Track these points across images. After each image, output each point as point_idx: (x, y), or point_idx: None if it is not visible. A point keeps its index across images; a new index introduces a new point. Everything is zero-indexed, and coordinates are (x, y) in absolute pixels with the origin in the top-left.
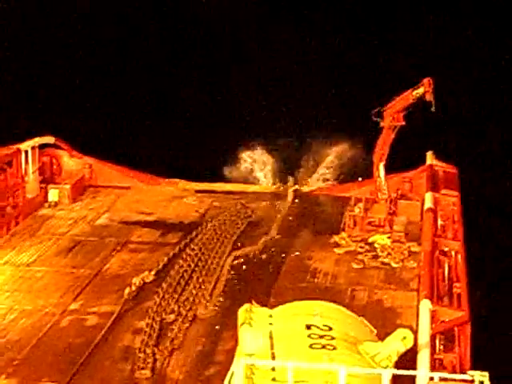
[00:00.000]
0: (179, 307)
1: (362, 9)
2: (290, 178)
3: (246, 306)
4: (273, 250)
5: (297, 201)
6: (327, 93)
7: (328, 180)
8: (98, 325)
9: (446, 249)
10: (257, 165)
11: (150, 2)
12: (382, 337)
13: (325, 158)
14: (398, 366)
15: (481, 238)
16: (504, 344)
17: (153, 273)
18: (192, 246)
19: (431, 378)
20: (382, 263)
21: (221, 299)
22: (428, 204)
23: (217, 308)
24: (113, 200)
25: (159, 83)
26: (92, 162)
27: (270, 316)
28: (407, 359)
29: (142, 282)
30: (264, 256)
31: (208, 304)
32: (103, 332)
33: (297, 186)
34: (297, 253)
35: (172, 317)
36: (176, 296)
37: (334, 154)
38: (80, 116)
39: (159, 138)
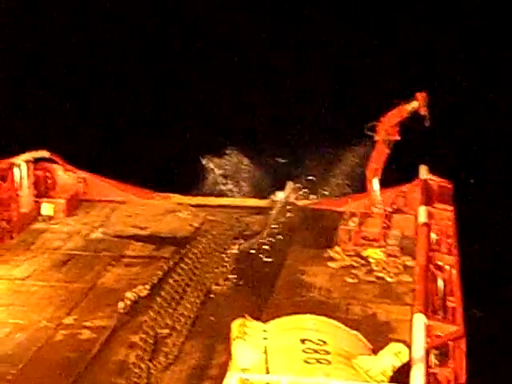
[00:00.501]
0: (174, 322)
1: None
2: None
3: (240, 320)
4: (267, 263)
5: (290, 214)
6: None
7: (322, 194)
8: (93, 339)
9: (440, 263)
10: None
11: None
12: (376, 351)
13: (320, 172)
14: (392, 380)
15: (475, 252)
16: (500, 359)
17: (147, 287)
18: (186, 260)
19: None
20: (377, 277)
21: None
22: (422, 218)
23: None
24: (107, 214)
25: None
26: (86, 176)
27: (264, 330)
28: (402, 374)
29: (136, 296)
30: (257, 269)
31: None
32: (98, 346)
33: (292, 199)
34: (291, 267)
35: (166, 331)
36: (170, 310)
37: (329, 168)
38: (74, 130)
39: (154, 152)
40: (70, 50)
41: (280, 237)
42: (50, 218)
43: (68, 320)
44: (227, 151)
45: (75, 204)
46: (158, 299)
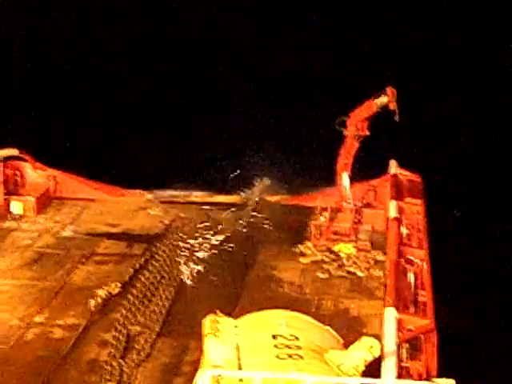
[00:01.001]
0: (145, 319)
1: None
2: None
3: (212, 316)
4: (238, 259)
5: (262, 210)
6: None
7: (293, 189)
8: (65, 337)
9: (411, 257)
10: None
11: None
12: (348, 346)
13: (289, 168)
14: (364, 374)
15: (445, 247)
16: (470, 351)
17: (119, 285)
18: (157, 257)
19: None
20: (348, 272)
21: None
22: (392, 212)
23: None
24: (78, 212)
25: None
26: (56, 174)
27: (236, 326)
28: (374, 368)
29: (107, 294)
30: (229, 265)
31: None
32: (70, 345)
33: (262, 195)
34: (262, 262)
35: (138, 329)
36: (142, 308)
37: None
38: (44, 128)
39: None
40: (36, 46)
41: (252, 233)
42: (20, 216)
43: (39, 318)
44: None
45: (45, 202)
46: (130, 297)
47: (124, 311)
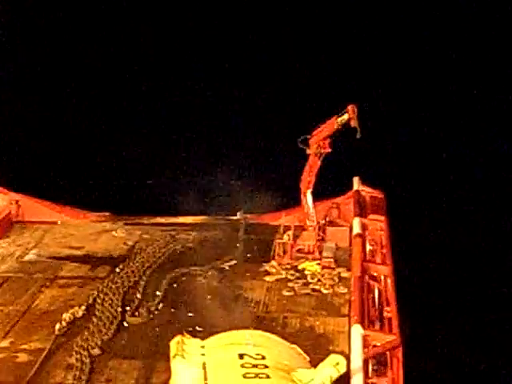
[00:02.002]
0: (110, 341)
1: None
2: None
3: (178, 337)
4: (202, 278)
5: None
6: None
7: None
8: (30, 362)
9: (375, 274)
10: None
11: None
12: (315, 364)
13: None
14: None
15: (409, 261)
16: (435, 366)
17: (83, 308)
18: (121, 280)
19: None
20: (313, 290)
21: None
22: (356, 229)
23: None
24: (40, 235)
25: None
26: (18, 198)
27: (203, 347)
28: None
29: (72, 317)
30: (194, 285)
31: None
32: (35, 369)
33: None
34: (227, 281)
35: (99, 352)
36: (104, 330)
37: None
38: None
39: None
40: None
41: (216, 252)
42: None
43: (4, 343)
44: None
45: (7, 226)
46: (94, 319)
47: (87, 334)
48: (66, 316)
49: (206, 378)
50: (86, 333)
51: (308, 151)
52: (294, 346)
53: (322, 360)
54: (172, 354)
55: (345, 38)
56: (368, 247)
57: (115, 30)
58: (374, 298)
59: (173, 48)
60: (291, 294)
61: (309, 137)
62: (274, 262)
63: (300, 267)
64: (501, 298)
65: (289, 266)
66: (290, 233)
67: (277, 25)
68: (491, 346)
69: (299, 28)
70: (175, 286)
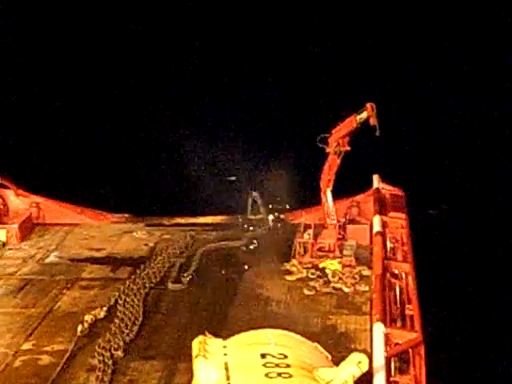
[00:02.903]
0: (131, 341)
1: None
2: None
3: (200, 337)
4: (225, 279)
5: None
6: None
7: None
8: (52, 363)
9: (396, 271)
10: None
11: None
12: (337, 362)
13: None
14: None
15: (430, 259)
16: (459, 364)
17: (105, 309)
18: (143, 281)
19: None
20: (334, 288)
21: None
22: (376, 227)
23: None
24: (61, 237)
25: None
26: (40, 201)
27: (225, 347)
28: (363, 383)
29: (93, 318)
30: (216, 286)
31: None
32: (57, 371)
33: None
34: (249, 281)
35: (119, 352)
36: (127, 331)
37: (281, 181)
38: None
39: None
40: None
41: (238, 251)
42: (3, 243)
43: (26, 345)
44: None
45: (29, 229)
46: (116, 320)
47: (109, 335)
48: (88, 317)
49: (228, 378)
50: (107, 334)
51: (327, 150)
52: (316, 344)
53: (344, 358)
54: (194, 354)
55: (363, 35)
56: (389, 245)
57: (120, 33)
58: (395, 295)
59: (189, 53)
60: (312, 292)
61: (328, 135)
62: (294, 261)
63: (321, 266)
64: None
65: (309, 265)
66: (311, 231)
67: (289, 23)
68: None
69: (315, 27)
70: (197, 284)
